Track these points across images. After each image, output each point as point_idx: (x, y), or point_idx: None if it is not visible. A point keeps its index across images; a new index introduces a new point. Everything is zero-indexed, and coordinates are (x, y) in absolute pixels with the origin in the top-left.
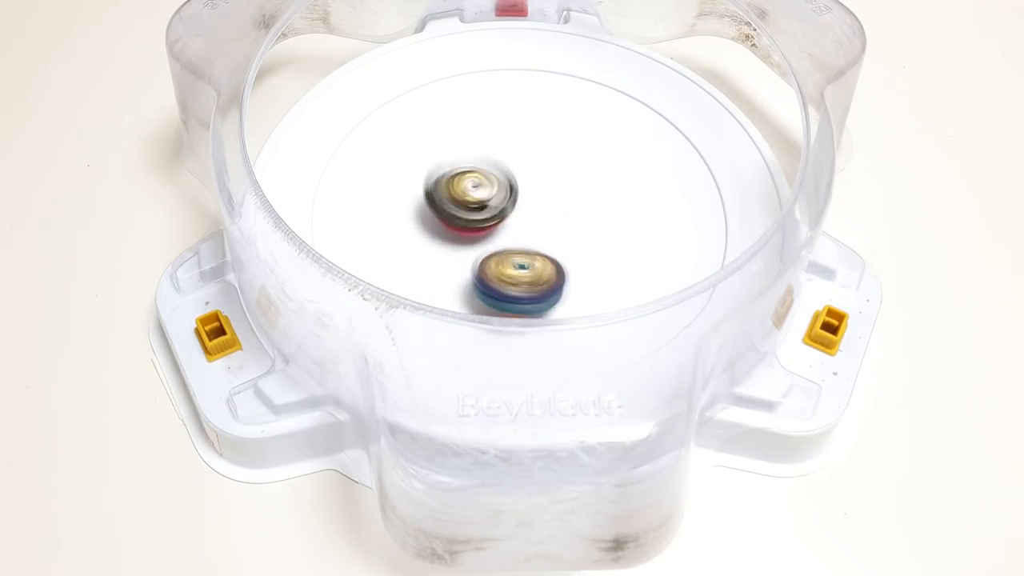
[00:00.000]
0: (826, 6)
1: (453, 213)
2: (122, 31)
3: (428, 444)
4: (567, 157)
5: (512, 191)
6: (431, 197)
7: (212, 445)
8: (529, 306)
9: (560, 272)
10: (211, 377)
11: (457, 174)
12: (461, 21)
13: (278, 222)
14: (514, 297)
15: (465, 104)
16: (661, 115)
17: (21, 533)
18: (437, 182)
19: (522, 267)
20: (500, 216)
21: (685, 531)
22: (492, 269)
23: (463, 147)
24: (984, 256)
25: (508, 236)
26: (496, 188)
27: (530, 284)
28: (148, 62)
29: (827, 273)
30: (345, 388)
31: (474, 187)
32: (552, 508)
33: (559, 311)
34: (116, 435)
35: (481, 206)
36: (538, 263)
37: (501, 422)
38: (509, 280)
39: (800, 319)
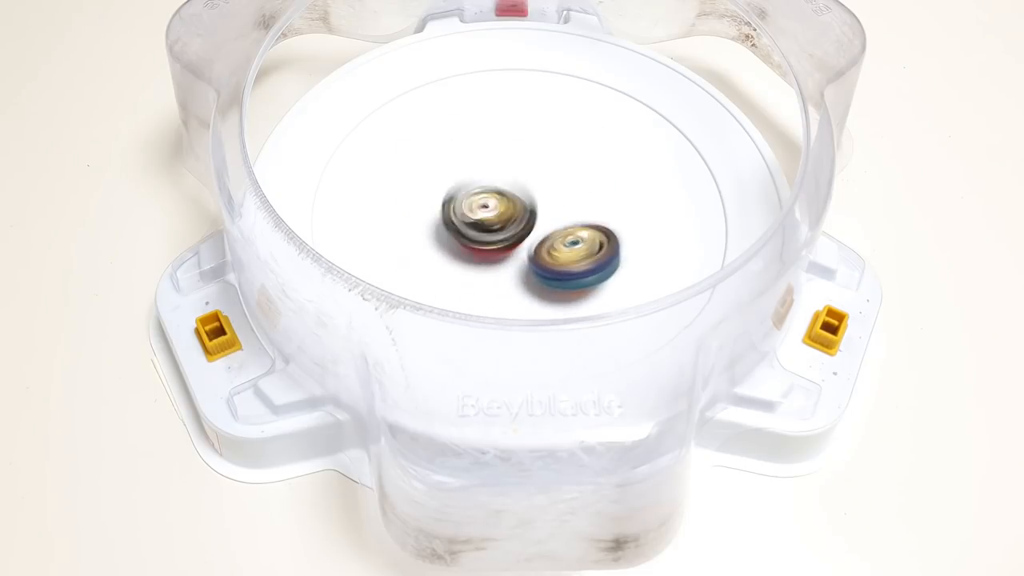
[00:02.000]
0: (826, 6)
1: (466, 234)
2: (122, 31)
3: (428, 444)
4: (567, 157)
5: (530, 216)
6: (446, 220)
7: (212, 445)
8: (594, 277)
9: (611, 237)
10: (211, 377)
11: (472, 194)
12: (461, 21)
13: (278, 222)
14: (577, 273)
15: (465, 104)
16: (661, 115)
17: (21, 533)
18: (450, 202)
19: (573, 244)
20: (516, 239)
21: (685, 531)
22: (546, 257)
23: (472, 156)
24: (984, 256)
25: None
26: (510, 210)
27: (587, 256)
28: (148, 62)
29: (827, 273)
30: (345, 388)
31: (481, 207)
32: (552, 508)
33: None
34: (116, 435)
35: (494, 228)
36: (586, 235)
37: (501, 422)
38: (567, 260)
39: (800, 319)
